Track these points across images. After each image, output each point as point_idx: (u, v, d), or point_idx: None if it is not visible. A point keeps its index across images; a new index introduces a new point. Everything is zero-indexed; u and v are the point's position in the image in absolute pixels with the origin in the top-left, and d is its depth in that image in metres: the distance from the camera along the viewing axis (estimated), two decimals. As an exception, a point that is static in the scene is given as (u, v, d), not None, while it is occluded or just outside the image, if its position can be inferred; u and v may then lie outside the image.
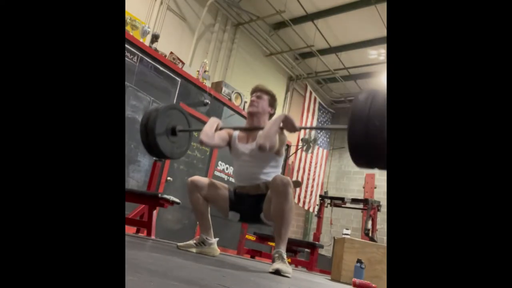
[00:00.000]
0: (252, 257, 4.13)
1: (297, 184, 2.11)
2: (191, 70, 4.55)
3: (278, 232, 1.82)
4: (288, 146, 6.22)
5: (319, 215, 5.38)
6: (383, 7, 5.00)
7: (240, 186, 2.06)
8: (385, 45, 5.66)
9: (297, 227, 7.73)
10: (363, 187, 6.73)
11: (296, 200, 6.73)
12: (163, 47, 4.31)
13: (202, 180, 2.04)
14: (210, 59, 5.40)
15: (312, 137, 6.44)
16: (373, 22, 5.37)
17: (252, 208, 1.98)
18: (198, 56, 5.24)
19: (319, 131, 7.20)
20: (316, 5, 5.51)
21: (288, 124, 1.86)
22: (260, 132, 1.89)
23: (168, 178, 4.16)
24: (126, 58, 3.68)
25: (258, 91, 2.10)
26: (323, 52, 6.40)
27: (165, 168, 4.05)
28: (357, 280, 2.41)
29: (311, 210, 7.01)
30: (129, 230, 3.09)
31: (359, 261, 2.65)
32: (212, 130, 2.01)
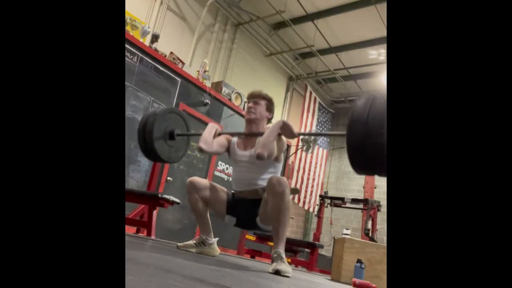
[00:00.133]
0: (252, 257, 4.13)
1: (295, 191, 2.11)
2: (191, 70, 4.55)
3: (276, 232, 1.82)
4: (288, 146, 6.22)
5: (319, 215, 5.38)
6: (383, 7, 5.00)
7: (238, 190, 2.06)
8: (385, 45, 5.66)
9: (297, 227, 7.73)
10: (363, 187, 6.73)
11: (296, 200, 6.73)
12: (163, 47, 4.32)
13: (201, 181, 2.04)
14: (210, 59, 5.40)
15: (312, 137, 6.45)
16: (373, 22, 5.37)
17: (248, 212, 1.98)
18: (198, 56, 5.24)
19: (319, 131, 7.20)
20: (316, 5, 5.51)
21: (286, 131, 1.86)
22: (259, 139, 1.89)
23: (168, 178, 4.16)
24: (126, 58, 3.68)
25: (254, 97, 2.09)
26: (323, 52, 6.40)
27: (165, 168, 4.05)
28: (357, 280, 2.41)
29: (311, 210, 7.01)
30: (129, 230, 3.09)
31: (359, 261, 2.65)
32: (210, 137, 2.01)
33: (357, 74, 6.96)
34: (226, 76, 5.69)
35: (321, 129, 7.31)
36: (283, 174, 6.28)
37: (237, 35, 5.92)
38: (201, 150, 1.96)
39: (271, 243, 4.29)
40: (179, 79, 4.25)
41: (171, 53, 4.32)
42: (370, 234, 4.70)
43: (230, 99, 4.93)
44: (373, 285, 2.40)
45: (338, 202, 5.39)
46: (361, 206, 5.28)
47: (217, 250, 2.11)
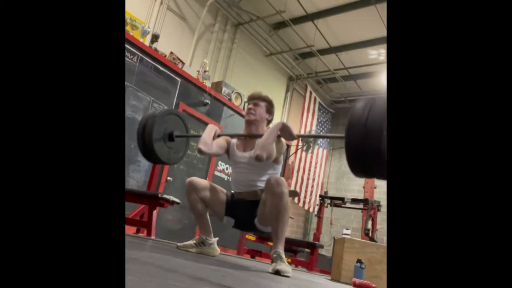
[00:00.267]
0: (252, 257, 4.13)
1: (294, 194, 2.11)
2: (191, 70, 4.55)
3: (275, 232, 1.82)
4: (288, 146, 6.23)
5: (319, 215, 5.39)
6: (383, 7, 5.00)
7: (237, 192, 2.06)
8: (385, 45, 5.66)
9: (297, 227, 7.73)
10: (363, 187, 6.74)
11: (296, 200, 6.73)
12: (163, 47, 4.32)
13: (201, 181, 2.04)
14: (210, 59, 5.40)
15: (312, 138, 6.44)
16: (373, 22, 5.37)
17: (247, 213, 1.98)
18: (198, 56, 5.24)
19: (319, 132, 7.20)
20: (316, 5, 5.51)
21: (285, 133, 1.86)
22: (258, 140, 1.89)
23: (168, 178, 4.16)
24: (126, 58, 3.68)
25: (254, 98, 2.09)
26: (323, 52, 6.40)
27: (165, 168, 4.05)
28: (357, 280, 2.41)
29: (311, 210, 7.01)
30: (129, 230, 3.09)
31: (359, 261, 2.65)
32: (210, 139, 2.01)
33: (357, 74, 6.96)
34: (226, 76, 5.69)
35: (321, 129, 7.31)
36: (283, 174, 6.28)
37: (237, 35, 5.92)
38: (200, 151, 1.96)
39: (271, 243, 4.29)
40: (179, 79, 4.25)
41: (171, 53, 4.32)
42: (370, 234, 4.70)
43: (230, 99, 4.93)
44: (373, 285, 2.40)
45: (338, 202, 5.39)
46: (361, 206, 5.28)
47: (217, 250, 2.11)
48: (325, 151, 7.41)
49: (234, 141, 2.13)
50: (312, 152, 6.90)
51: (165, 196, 2.79)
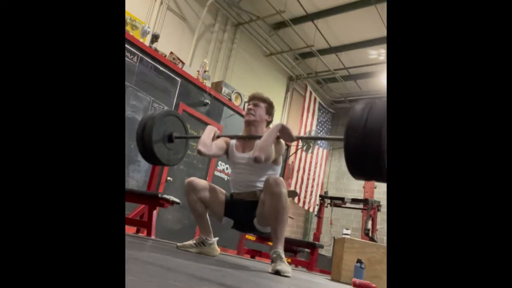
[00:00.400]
0: (252, 257, 4.13)
1: (293, 194, 2.11)
2: (191, 70, 4.55)
3: (274, 232, 1.82)
4: (288, 146, 6.22)
5: (319, 215, 5.38)
6: (383, 7, 5.00)
7: (236, 192, 2.06)
8: (385, 45, 5.66)
9: (297, 227, 7.73)
10: (363, 187, 6.73)
11: (296, 200, 6.73)
12: (163, 47, 4.32)
13: (200, 182, 2.04)
14: (210, 59, 5.40)
15: (312, 137, 6.44)
16: (373, 22, 5.37)
17: (246, 213, 1.98)
18: (198, 56, 5.24)
19: (319, 132, 7.20)
20: (316, 5, 5.51)
21: (285, 134, 1.86)
22: (257, 142, 1.89)
23: (168, 178, 4.16)
24: (126, 58, 3.68)
25: (255, 99, 2.09)
26: (323, 52, 6.40)
27: (165, 168, 4.05)
28: (357, 280, 2.41)
29: (311, 210, 7.01)
30: (129, 230, 3.09)
31: (359, 261, 2.65)
32: (209, 140, 2.00)
33: (357, 74, 6.96)
34: (226, 76, 5.69)
35: (321, 129, 7.31)
36: (283, 174, 6.29)
37: (237, 35, 5.92)
38: (200, 153, 1.96)
39: (271, 243, 4.28)
40: (179, 79, 4.26)
41: (171, 53, 4.32)
42: (370, 234, 4.69)
43: (230, 99, 4.93)
44: (373, 285, 2.40)
45: (338, 202, 5.39)
46: (361, 206, 5.28)
47: (217, 250, 2.11)
48: (325, 151, 7.42)
49: (233, 142, 2.12)
50: (312, 152, 6.90)
51: (165, 196, 2.79)
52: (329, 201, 5.43)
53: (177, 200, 2.84)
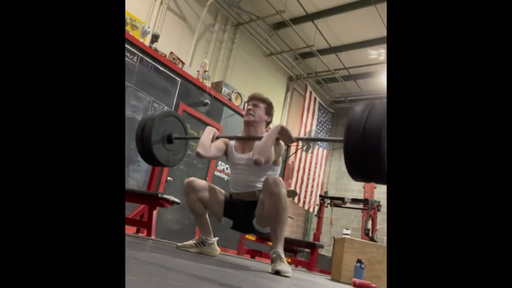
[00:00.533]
0: (252, 257, 4.13)
1: (293, 193, 2.10)
2: (191, 70, 4.55)
3: (274, 232, 1.82)
4: (288, 146, 6.22)
5: (319, 215, 5.38)
6: (383, 7, 5.00)
7: (236, 192, 2.06)
8: (385, 45, 5.66)
9: (297, 227, 7.73)
10: (363, 187, 6.73)
11: (296, 200, 6.73)
12: (163, 47, 4.32)
13: (199, 182, 2.04)
14: (210, 59, 5.40)
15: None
16: (373, 22, 5.37)
17: (245, 213, 1.97)
18: (198, 56, 5.24)
19: (319, 132, 7.20)
20: (316, 5, 5.51)
21: (284, 136, 1.86)
22: (257, 143, 1.89)
23: (168, 178, 4.16)
24: (126, 58, 3.68)
25: (254, 99, 2.09)
26: (323, 52, 6.40)
27: (165, 168, 4.05)
28: (357, 280, 2.41)
29: (311, 210, 7.01)
30: (129, 230, 3.09)
31: (359, 261, 2.65)
32: (208, 142, 2.00)
33: (357, 74, 6.96)
34: (226, 76, 5.69)
35: (321, 129, 7.31)
36: (283, 174, 6.29)
37: (237, 35, 5.92)
38: (199, 155, 1.95)
39: (271, 243, 4.27)
40: (179, 79, 4.25)
41: (171, 53, 4.32)
42: (370, 234, 4.69)
43: (230, 99, 4.93)
44: (373, 285, 2.40)
45: (338, 202, 5.39)
46: (361, 206, 5.28)
47: (217, 250, 2.11)
48: (325, 151, 7.42)
49: (232, 142, 2.12)
50: (312, 152, 6.89)
51: (165, 196, 2.79)
52: (329, 201, 5.43)
53: (177, 200, 2.84)
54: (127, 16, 3.92)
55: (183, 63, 4.37)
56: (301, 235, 7.65)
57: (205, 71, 4.69)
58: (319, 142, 7.15)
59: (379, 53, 6.28)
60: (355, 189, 7.27)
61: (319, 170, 7.22)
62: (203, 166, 4.62)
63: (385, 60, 5.75)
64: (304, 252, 4.76)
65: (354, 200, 5.29)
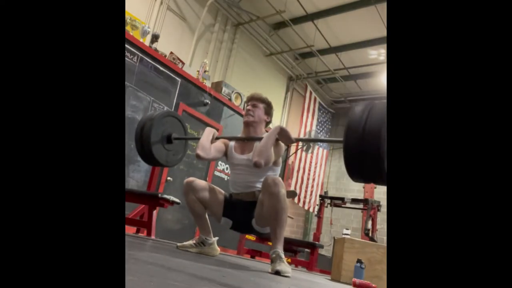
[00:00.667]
0: (252, 257, 4.13)
1: (292, 194, 2.09)
2: (191, 70, 4.55)
3: (273, 232, 1.82)
4: (288, 146, 6.21)
5: (319, 215, 5.38)
6: (383, 7, 5.00)
7: (235, 193, 2.05)
8: (385, 45, 5.66)
9: (297, 227, 7.73)
10: (363, 187, 6.73)
11: (296, 200, 6.73)
12: (163, 47, 4.32)
13: (199, 182, 2.04)
14: (210, 59, 5.40)
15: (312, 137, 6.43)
16: (373, 22, 5.37)
17: (244, 214, 1.97)
18: (198, 56, 5.24)
19: (319, 132, 7.20)
20: (316, 5, 5.51)
21: (283, 137, 1.86)
22: (256, 144, 1.89)
23: (168, 178, 4.16)
24: (126, 58, 3.68)
25: (253, 99, 2.09)
26: (323, 52, 6.40)
27: (165, 168, 4.04)
28: (357, 280, 2.41)
29: (311, 210, 7.01)
30: (129, 230, 3.09)
31: (359, 261, 2.65)
32: (208, 143, 2.00)
33: (357, 74, 6.96)
34: (226, 76, 5.69)
35: (321, 129, 7.31)
36: (283, 174, 6.29)
37: (237, 35, 5.92)
38: (199, 157, 1.95)
39: (271, 243, 4.27)
40: (179, 79, 4.25)
41: (171, 53, 4.32)
42: (370, 234, 4.69)
43: (230, 99, 4.93)
44: (373, 285, 2.40)
45: (338, 202, 5.39)
46: (361, 206, 5.28)
47: (217, 249, 2.11)
48: (325, 151, 7.42)
49: (232, 143, 2.12)
50: (312, 152, 6.89)
51: (165, 196, 2.79)
52: (329, 201, 5.43)
53: (177, 200, 2.84)
54: (127, 16, 3.92)
55: (183, 63, 4.37)
56: (301, 235, 7.65)
57: (205, 71, 4.69)
58: (319, 142, 7.14)
59: (379, 53, 6.28)
60: (355, 189, 7.27)
61: (319, 170, 7.22)
62: (203, 166, 4.62)
63: (385, 60, 5.75)
64: (304, 252, 4.76)
65: (354, 200, 5.29)
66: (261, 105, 2.08)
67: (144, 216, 3.04)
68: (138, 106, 3.82)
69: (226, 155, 2.12)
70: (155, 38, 4.13)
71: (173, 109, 4.13)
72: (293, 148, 6.48)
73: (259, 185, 1.96)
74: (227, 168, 4.84)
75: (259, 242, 4.22)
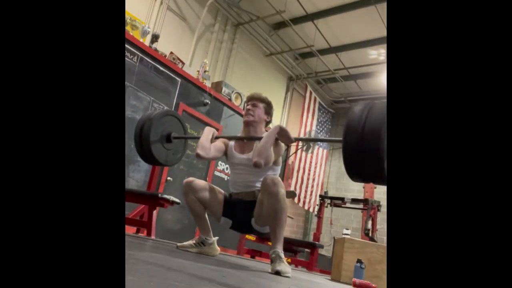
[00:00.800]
0: (252, 257, 4.13)
1: (292, 194, 2.09)
2: (191, 70, 4.55)
3: (273, 232, 1.82)
4: (288, 146, 6.21)
5: (319, 215, 5.38)
6: (383, 7, 5.00)
7: (235, 192, 2.06)
8: (385, 45, 5.66)
9: (297, 227, 7.73)
10: (363, 187, 6.73)
11: (296, 200, 6.73)
12: (163, 47, 4.32)
13: (198, 182, 2.04)
14: (210, 59, 5.40)
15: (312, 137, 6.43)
16: (373, 22, 5.37)
17: (244, 213, 1.97)
18: (198, 56, 5.24)
19: (319, 132, 7.20)
20: (316, 5, 5.51)
21: (283, 136, 1.86)
22: (256, 143, 1.89)
23: (168, 178, 4.16)
24: (126, 58, 3.68)
25: (253, 99, 2.09)
26: (323, 52, 6.40)
27: (165, 168, 4.04)
28: (357, 280, 2.41)
29: (311, 210, 7.01)
30: (129, 230, 3.09)
31: (359, 261, 2.65)
32: (208, 143, 2.00)
33: (357, 74, 6.96)
34: (226, 76, 5.69)
35: (321, 129, 7.31)
36: (283, 174, 6.29)
37: (237, 35, 5.92)
38: (199, 157, 1.95)
39: (271, 243, 4.26)
40: (179, 79, 4.25)
41: (171, 53, 4.32)
42: (370, 234, 4.69)
43: (230, 99, 4.93)
44: (373, 285, 2.40)
45: (338, 202, 5.39)
46: (361, 206, 5.28)
47: (217, 249, 2.11)
48: (325, 151, 7.42)
49: (232, 142, 2.12)
50: (312, 152, 6.90)
51: (165, 196, 2.79)
52: (329, 201, 5.43)
53: (177, 200, 2.84)
54: (127, 16, 3.92)
55: (183, 63, 4.37)
56: (301, 235, 7.65)
57: (205, 71, 4.69)
58: (319, 142, 7.15)
59: (379, 53, 6.28)
60: (355, 189, 7.27)
61: (319, 170, 7.22)
62: (203, 166, 4.61)
63: (385, 60, 5.75)
64: (304, 252, 4.76)
65: (354, 200, 5.29)
66: (261, 105, 2.08)
67: (144, 216, 3.04)
68: (138, 106, 3.82)
69: (226, 154, 2.12)
70: (155, 38, 4.13)
71: (173, 109, 4.13)
72: (293, 148, 6.49)
73: (259, 185, 1.96)
74: (227, 168, 4.84)
75: (259, 242, 4.22)
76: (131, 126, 3.48)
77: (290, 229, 7.48)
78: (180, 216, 4.28)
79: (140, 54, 3.83)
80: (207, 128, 2.08)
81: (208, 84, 4.71)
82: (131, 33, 3.88)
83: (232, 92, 4.99)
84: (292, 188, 6.50)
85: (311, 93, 7.03)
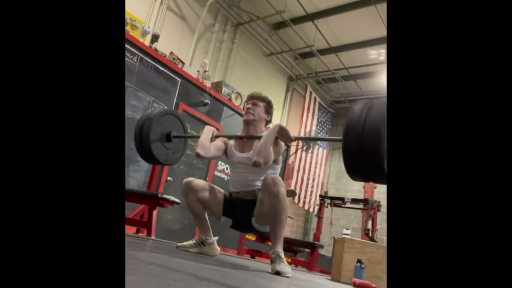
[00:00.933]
0: (252, 257, 4.13)
1: (292, 193, 2.09)
2: (191, 70, 4.55)
3: (273, 231, 1.82)
4: (288, 146, 6.22)
5: (319, 215, 5.38)
6: (383, 7, 5.00)
7: (235, 191, 2.06)
8: (385, 45, 5.66)
9: (297, 227, 7.73)
10: (363, 187, 6.73)
11: (296, 200, 6.73)
12: (163, 47, 4.32)
13: (197, 182, 2.04)
14: (210, 59, 5.40)
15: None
16: (373, 22, 5.37)
17: (244, 212, 1.97)
18: (198, 56, 5.24)
19: (319, 132, 7.20)
20: (316, 5, 5.51)
21: (283, 136, 1.86)
22: (256, 142, 1.89)
23: (168, 178, 4.16)
24: (126, 58, 3.68)
25: (253, 98, 2.09)
26: (323, 52, 6.40)
27: (165, 168, 4.04)
28: (357, 280, 2.41)
29: (311, 210, 7.01)
30: (129, 230, 3.09)
31: (359, 261, 2.65)
32: (208, 142, 2.00)
33: (357, 74, 6.96)
34: (226, 76, 5.69)
35: (321, 129, 7.31)
36: (283, 174, 6.28)
37: (237, 35, 5.92)
38: (199, 156, 1.95)
39: (271, 243, 4.26)
40: (179, 79, 4.25)
41: (171, 53, 4.32)
42: (370, 234, 4.69)
43: (230, 99, 4.93)
44: (373, 285, 2.40)
45: (338, 202, 5.39)
46: (361, 206, 5.28)
47: (217, 249, 2.11)
48: (325, 151, 7.42)
49: (232, 142, 2.12)
50: (312, 152, 6.90)
51: (165, 196, 2.79)
52: (329, 201, 5.43)
53: (177, 200, 2.84)
54: (127, 16, 3.92)
55: (183, 63, 4.37)
56: (301, 235, 7.65)
57: (205, 71, 4.69)
58: (319, 142, 7.15)
59: (379, 53, 6.28)
60: (355, 189, 7.27)
61: (319, 170, 7.22)
62: (203, 166, 4.61)
63: (385, 60, 5.75)
64: (304, 252, 4.76)
65: (354, 200, 5.29)
66: (261, 104, 2.08)
67: (144, 216, 3.04)
68: (138, 106, 3.82)
69: (226, 153, 2.12)
70: (155, 38, 4.13)
71: (173, 109, 4.13)
72: (293, 148, 6.50)
73: (259, 184, 1.96)
74: (227, 168, 4.84)
75: (259, 242, 4.22)
76: (131, 126, 3.48)
77: (290, 229, 7.48)
78: (180, 216, 4.28)
79: (140, 54, 3.83)
80: (207, 127, 2.08)
81: (208, 84, 4.71)
82: (131, 33, 3.88)
83: (232, 92, 4.99)
84: (292, 188, 6.50)
85: (311, 93, 7.03)
